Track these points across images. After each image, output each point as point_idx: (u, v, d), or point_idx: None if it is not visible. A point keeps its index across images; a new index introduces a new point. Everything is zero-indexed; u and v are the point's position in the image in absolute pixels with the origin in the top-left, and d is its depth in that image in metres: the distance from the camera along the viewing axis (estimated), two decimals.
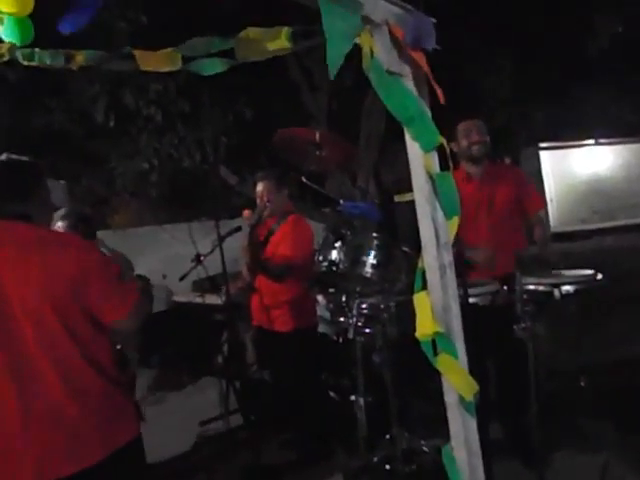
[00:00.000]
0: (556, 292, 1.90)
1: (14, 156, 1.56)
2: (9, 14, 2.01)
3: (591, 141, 16.47)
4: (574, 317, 3.24)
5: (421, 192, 1.35)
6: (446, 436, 1.33)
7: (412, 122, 1.29)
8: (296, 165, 2.44)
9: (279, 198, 3.05)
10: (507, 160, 13.87)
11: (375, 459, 2.52)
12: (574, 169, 16.50)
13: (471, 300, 1.87)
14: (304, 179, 2.28)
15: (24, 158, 1.58)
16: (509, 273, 2.09)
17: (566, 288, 1.93)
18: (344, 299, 2.10)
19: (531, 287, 2.01)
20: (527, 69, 8.80)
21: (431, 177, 1.34)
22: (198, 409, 4.37)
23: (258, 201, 3.04)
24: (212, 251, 3.45)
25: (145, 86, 4.79)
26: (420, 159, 1.33)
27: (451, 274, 1.38)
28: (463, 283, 1.72)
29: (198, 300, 4.08)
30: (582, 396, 3.80)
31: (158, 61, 1.74)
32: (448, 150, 1.34)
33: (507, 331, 1.94)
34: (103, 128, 4.94)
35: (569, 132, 14.38)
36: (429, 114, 1.37)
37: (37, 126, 5.00)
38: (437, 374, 1.35)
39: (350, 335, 2.09)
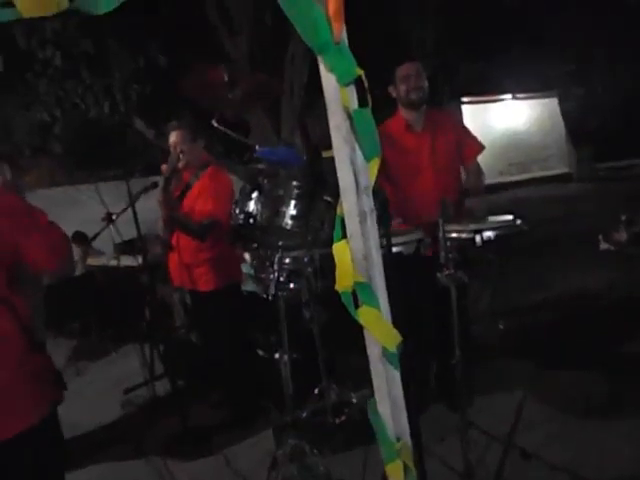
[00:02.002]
0: (477, 238, 1.88)
1: None
2: None
3: (508, 96, 17.11)
4: (495, 262, 3.35)
5: (338, 131, 1.22)
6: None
7: (326, 50, 1.14)
8: (209, 110, 2.21)
9: (194, 149, 2.82)
10: None
11: (304, 414, 2.49)
12: (493, 123, 17.16)
13: (395, 249, 1.81)
14: (214, 122, 2.07)
15: None
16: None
17: (487, 234, 1.92)
18: (267, 254, 1.98)
19: (454, 235, 1.98)
20: (448, 21, 8.83)
21: (349, 114, 1.21)
22: (122, 377, 4.19)
23: (172, 152, 2.80)
24: (125, 210, 3.19)
25: (39, 24, 4.20)
26: (336, 93, 1.19)
27: (372, 221, 1.28)
28: (386, 232, 1.65)
29: (113, 263, 3.81)
30: (501, 338, 4.02)
31: (41, 3, 1.46)
32: (367, 84, 1.21)
33: (431, 279, 1.92)
34: None
35: (488, 87, 14.78)
36: (346, 42, 1.23)
37: None
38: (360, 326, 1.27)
39: (272, 291, 1.99)
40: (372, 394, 1.34)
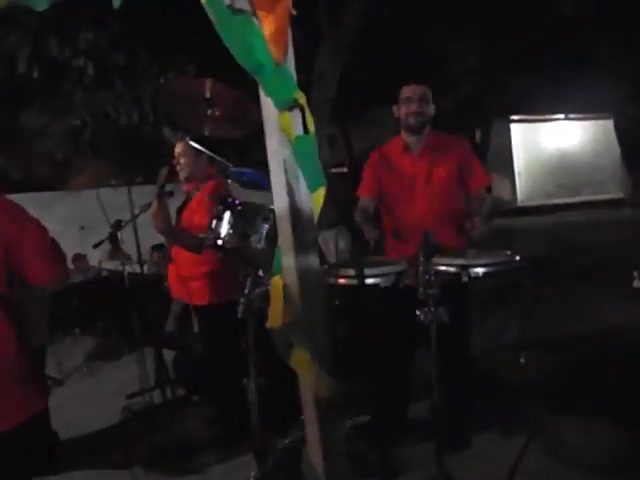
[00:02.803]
0: (464, 275, 1.74)
1: None
2: None
3: (561, 115, 16.44)
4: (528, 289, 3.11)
5: (274, 158, 1.14)
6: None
7: (262, 72, 1.07)
8: (185, 126, 2.17)
9: (197, 161, 2.81)
10: (477, 133, 13.70)
11: (285, 441, 2.39)
12: (543, 143, 16.53)
13: (371, 281, 1.70)
14: (189, 140, 2.02)
15: None
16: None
17: (476, 270, 1.78)
18: (241, 275, 1.91)
19: (442, 268, 1.85)
20: (496, 37, 8.54)
21: (289, 140, 1.13)
22: (133, 381, 4.23)
23: (175, 164, 2.80)
24: (136, 217, 3.22)
25: (73, 35, 4.38)
26: (274, 118, 1.12)
27: (313, 256, 1.19)
28: (358, 262, 1.55)
29: (118, 268, 3.86)
30: (518, 373, 3.77)
31: None
32: (308, 112, 1.13)
33: (410, 315, 1.79)
34: (31, 81, 4.53)
35: (540, 106, 14.26)
36: (289, 65, 1.15)
37: None
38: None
39: (240, 315, 1.92)
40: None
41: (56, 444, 2.76)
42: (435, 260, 1.85)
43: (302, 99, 1.11)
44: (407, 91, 2.59)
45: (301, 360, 1.15)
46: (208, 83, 1.91)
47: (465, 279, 1.74)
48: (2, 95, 5.00)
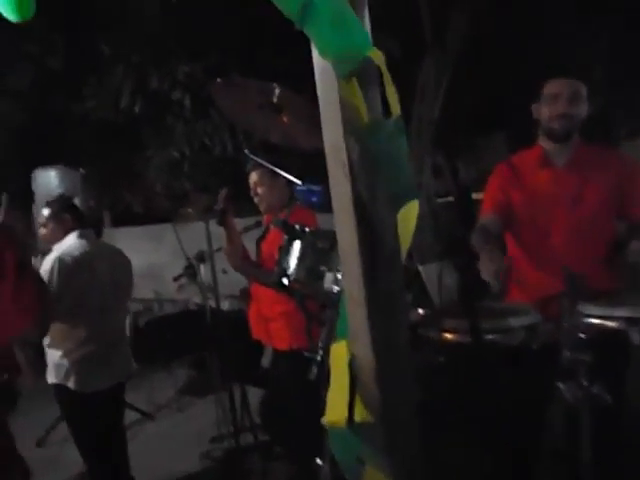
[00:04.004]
0: (633, 333, 1.18)
1: None
2: None
3: None
4: None
5: (334, 156, 0.73)
6: None
7: (311, 15, 0.68)
8: (248, 129, 1.85)
9: (274, 189, 2.48)
10: None
11: None
12: None
13: (490, 337, 1.20)
14: (247, 151, 1.71)
15: None
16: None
17: None
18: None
19: (594, 321, 1.29)
20: (629, 45, 7.45)
21: (357, 129, 0.72)
22: (219, 421, 4.00)
23: (253, 195, 2.51)
24: (216, 250, 3.01)
25: (173, 68, 4.46)
26: (333, 94, 0.71)
27: (400, 312, 0.75)
28: (470, 309, 1.07)
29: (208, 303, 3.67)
30: None
31: None
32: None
33: (548, 389, 1.25)
34: (135, 115, 4.70)
35: None
36: (362, 12, 0.74)
37: (71, 112, 4.88)
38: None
39: (311, 376, 1.51)
40: None
41: None
42: (583, 309, 1.29)
43: (379, 59, 0.69)
44: (554, 86, 2.01)
45: None
46: (275, 87, 1.59)
47: (637, 339, 1.17)
48: (119, 130, 5.30)
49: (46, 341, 2.38)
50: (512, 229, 2.12)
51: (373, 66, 0.69)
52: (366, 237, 0.72)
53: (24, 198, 3.74)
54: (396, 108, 0.70)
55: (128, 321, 4.96)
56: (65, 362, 2.32)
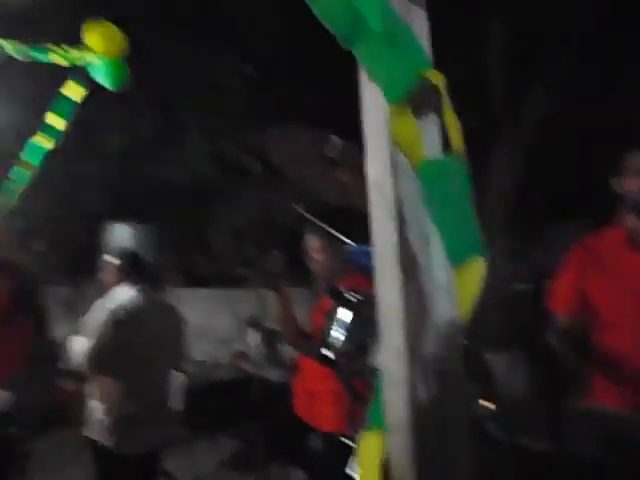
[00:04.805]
0: None
1: None
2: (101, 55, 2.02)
3: None
4: None
5: (377, 192, 0.60)
6: None
7: (359, 34, 0.59)
8: (303, 186, 1.77)
9: (331, 254, 2.36)
10: None
11: None
12: None
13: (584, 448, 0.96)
14: (298, 209, 1.61)
15: None
16: None
17: None
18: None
19: None
20: None
21: (407, 164, 0.60)
22: None
23: (311, 263, 2.41)
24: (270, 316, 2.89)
25: (246, 135, 4.67)
26: (379, 119, 0.60)
27: (453, 398, 0.57)
28: (552, 412, 0.85)
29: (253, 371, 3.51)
30: None
31: None
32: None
33: None
34: (208, 179, 4.93)
35: None
36: (421, 30, 0.64)
37: (150, 176, 5.22)
38: None
39: (347, 469, 1.29)
40: None
41: None
42: None
43: (439, 81, 0.57)
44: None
45: None
46: (332, 139, 1.52)
47: None
48: (193, 193, 5.57)
49: (89, 393, 2.34)
50: (595, 327, 1.83)
51: (430, 91, 0.57)
52: (413, 299, 0.57)
53: (99, 249, 3.91)
54: (457, 141, 0.57)
55: (179, 383, 4.88)
56: (106, 418, 2.25)
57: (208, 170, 4.94)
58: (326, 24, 0.61)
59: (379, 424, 0.58)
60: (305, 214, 1.72)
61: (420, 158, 0.58)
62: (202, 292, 7.10)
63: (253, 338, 3.01)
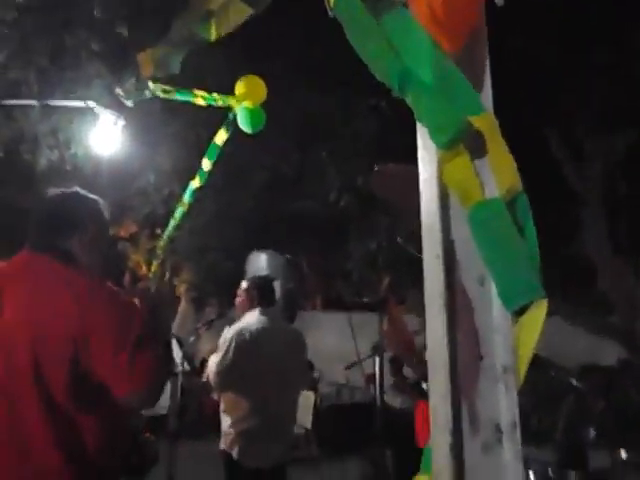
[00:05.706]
0: None
1: (69, 190, 1.46)
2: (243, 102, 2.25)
3: None
4: None
5: (428, 236, 0.60)
6: None
7: (411, 83, 0.62)
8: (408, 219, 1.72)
9: None
10: None
11: None
12: None
13: None
14: (399, 239, 1.57)
15: (81, 193, 1.46)
16: None
17: None
18: None
19: None
20: None
21: (456, 206, 0.60)
22: None
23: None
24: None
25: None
26: (432, 163, 0.61)
27: (506, 449, 0.56)
28: None
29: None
30: None
31: None
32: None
33: None
34: (341, 210, 5.12)
35: None
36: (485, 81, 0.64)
37: (291, 209, 5.64)
38: None
39: None
40: None
41: None
42: None
43: (487, 125, 0.58)
44: None
45: None
46: None
47: None
48: (328, 223, 5.83)
49: (222, 407, 2.54)
50: None
51: (475, 135, 0.57)
52: (463, 341, 0.57)
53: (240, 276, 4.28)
54: (508, 182, 0.56)
55: (310, 403, 4.97)
56: (232, 431, 2.42)
57: (344, 201, 5.16)
58: (379, 79, 0.64)
59: (428, 469, 0.58)
60: (408, 247, 1.71)
61: (476, 200, 0.58)
62: (340, 316, 7.26)
63: (378, 364, 3.00)
